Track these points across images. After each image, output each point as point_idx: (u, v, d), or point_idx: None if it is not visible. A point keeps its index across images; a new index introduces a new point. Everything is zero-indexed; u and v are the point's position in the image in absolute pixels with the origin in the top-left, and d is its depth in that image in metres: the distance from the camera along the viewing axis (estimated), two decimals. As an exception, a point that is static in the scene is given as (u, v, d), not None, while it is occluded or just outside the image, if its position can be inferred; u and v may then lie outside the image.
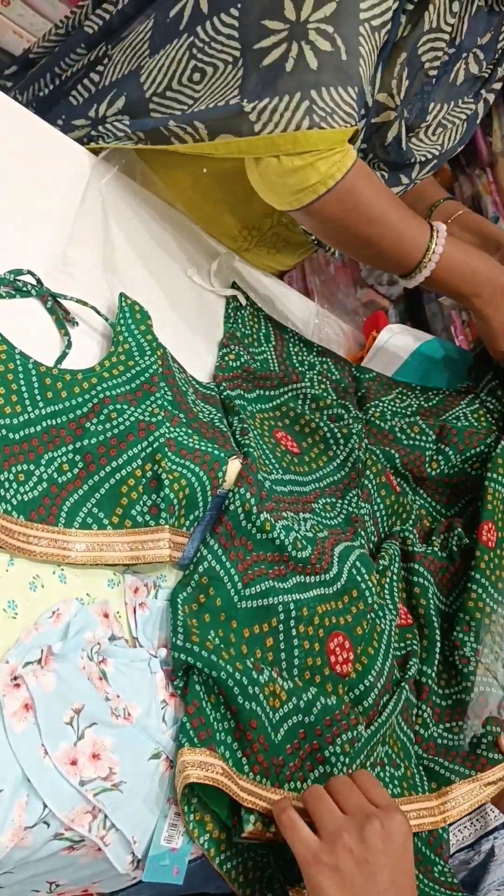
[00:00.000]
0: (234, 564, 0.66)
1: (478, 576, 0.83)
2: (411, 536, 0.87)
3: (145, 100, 0.86)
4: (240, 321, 0.95)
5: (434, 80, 0.93)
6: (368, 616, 0.73)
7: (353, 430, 0.88)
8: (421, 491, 0.96)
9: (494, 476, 0.88)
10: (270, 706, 0.62)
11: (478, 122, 1.05)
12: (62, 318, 0.73)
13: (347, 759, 0.65)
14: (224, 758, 0.58)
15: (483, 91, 1.01)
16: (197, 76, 0.82)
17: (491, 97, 1.04)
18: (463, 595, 0.82)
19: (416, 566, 0.84)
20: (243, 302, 0.97)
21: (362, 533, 0.80)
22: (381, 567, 0.80)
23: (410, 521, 0.91)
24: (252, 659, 0.64)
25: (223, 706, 0.60)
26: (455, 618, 0.82)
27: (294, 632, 0.68)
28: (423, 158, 0.99)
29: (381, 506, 0.89)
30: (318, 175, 0.78)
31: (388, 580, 0.80)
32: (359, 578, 0.74)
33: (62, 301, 0.74)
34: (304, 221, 0.89)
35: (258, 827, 0.58)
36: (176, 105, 0.84)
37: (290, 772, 0.61)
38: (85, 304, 0.75)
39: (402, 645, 0.79)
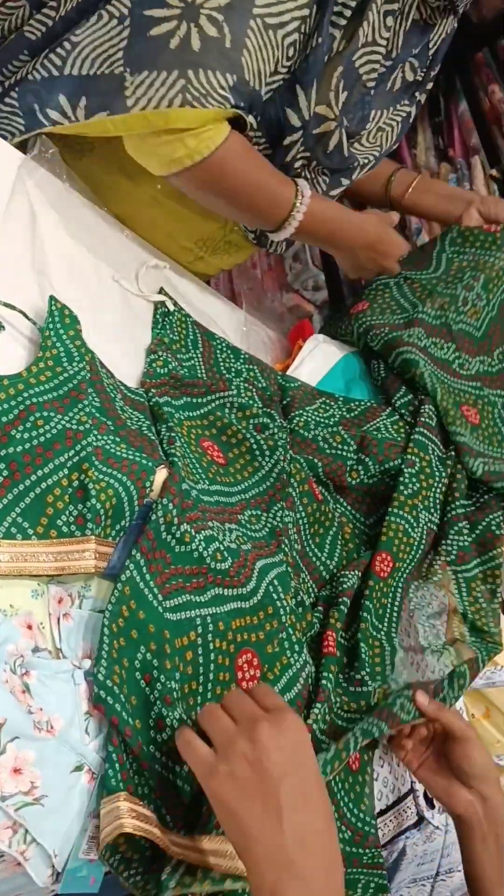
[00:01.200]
0: (153, 577, 0.65)
1: (367, 603, 0.85)
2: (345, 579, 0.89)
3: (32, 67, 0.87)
4: (168, 327, 0.95)
5: (372, 90, 0.96)
6: (281, 635, 0.73)
7: (279, 442, 0.89)
8: (342, 499, 0.98)
9: (394, 510, 0.92)
10: (174, 761, 0.60)
11: (411, 121, 1.10)
12: (-12, 322, 0.72)
13: None
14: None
15: (417, 93, 1.07)
16: (83, 19, 0.83)
17: (423, 97, 1.10)
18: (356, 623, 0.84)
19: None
20: (171, 308, 0.97)
21: (285, 545, 0.81)
22: (305, 605, 0.81)
23: (333, 529, 0.93)
24: (177, 674, 0.64)
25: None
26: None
27: (211, 646, 0.68)
28: (364, 161, 1.04)
29: (304, 513, 0.91)
30: (186, 149, 0.82)
31: (311, 623, 0.81)
32: (275, 596, 0.74)
33: (-12, 304, 0.73)
34: (176, 186, 0.92)
35: (177, 891, 0.56)
36: (56, 61, 0.85)
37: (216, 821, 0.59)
38: (13, 307, 0.74)
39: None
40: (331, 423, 1.00)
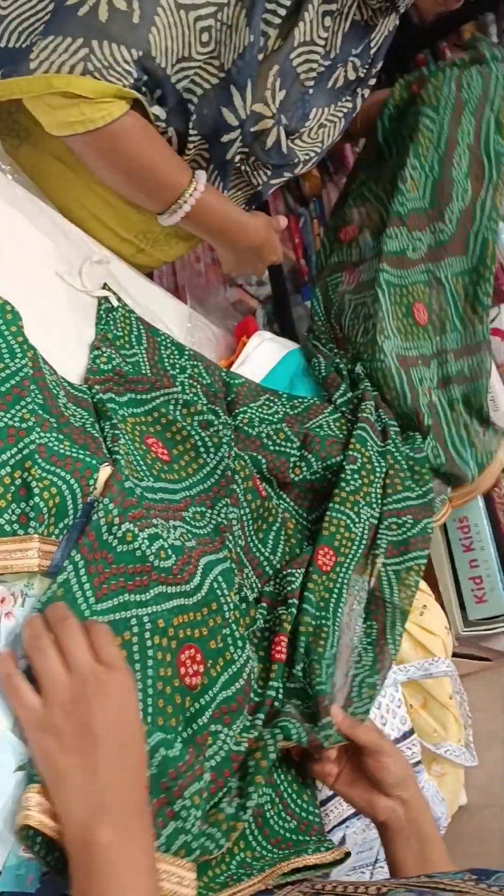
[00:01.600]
0: (90, 578, 0.65)
1: (309, 596, 0.86)
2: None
3: None
4: (111, 323, 0.95)
5: (311, 89, 0.97)
6: (224, 631, 0.74)
7: (224, 439, 0.90)
8: (285, 495, 0.99)
9: (335, 506, 0.93)
10: None
11: (354, 115, 1.12)
12: None
13: (199, 812, 0.63)
14: None
15: (359, 89, 1.09)
16: None
17: (367, 93, 1.11)
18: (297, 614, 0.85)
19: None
20: (115, 303, 0.97)
21: (230, 541, 0.82)
22: (249, 601, 0.82)
23: (277, 525, 0.94)
24: None
25: None
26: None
27: (149, 643, 0.68)
28: (305, 157, 1.05)
29: (248, 510, 0.92)
30: (81, 116, 0.82)
31: (254, 618, 0.82)
32: (219, 592, 0.75)
33: None
34: (73, 150, 0.93)
35: None
36: None
37: None
38: (-48, 302, 0.73)
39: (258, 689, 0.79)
40: (274, 420, 1.01)
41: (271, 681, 0.78)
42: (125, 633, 0.66)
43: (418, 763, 1.00)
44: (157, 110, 0.88)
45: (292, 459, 0.97)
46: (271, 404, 1.04)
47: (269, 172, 1.02)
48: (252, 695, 0.77)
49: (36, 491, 0.64)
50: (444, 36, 1.90)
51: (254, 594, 0.86)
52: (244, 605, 0.80)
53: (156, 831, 0.59)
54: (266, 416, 1.01)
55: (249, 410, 1.00)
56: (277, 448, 0.98)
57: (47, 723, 0.54)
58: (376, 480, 0.99)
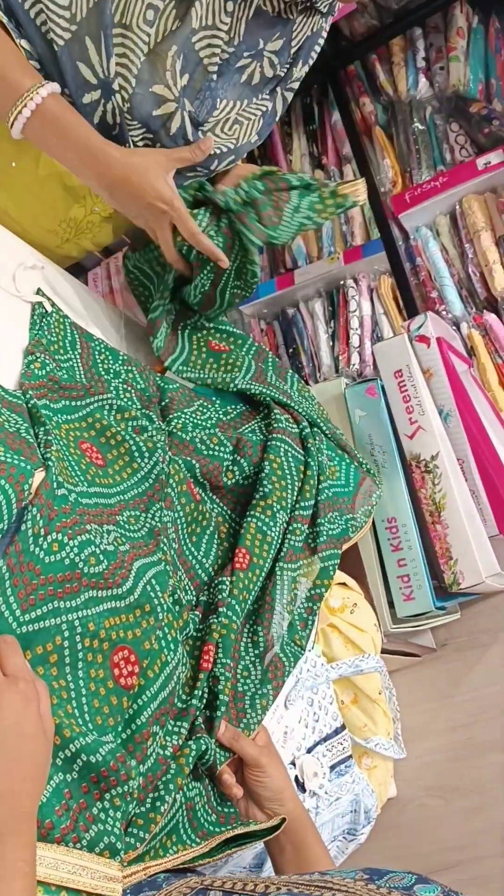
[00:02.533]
0: (15, 591, 0.65)
1: (231, 600, 0.88)
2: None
3: None
4: (45, 328, 0.95)
5: (215, 75, 0.98)
6: (157, 633, 0.75)
7: (158, 444, 0.91)
8: (218, 499, 1.01)
9: (253, 513, 0.96)
10: None
11: (276, 119, 1.12)
12: None
13: (119, 814, 0.63)
14: None
15: (279, 88, 1.09)
16: None
17: (289, 95, 1.11)
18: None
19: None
20: (49, 308, 0.97)
21: (164, 544, 0.83)
22: (182, 604, 0.83)
23: (210, 528, 0.96)
24: None
25: None
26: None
27: (80, 646, 0.68)
28: (217, 151, 1.04)
29: (182, 513, 0.93)
30: None
31: (186, 622, 0.83)
32: (152, 595, 0.76)
33: None
34: None
35: None
36: None
37: (60, 834, 0.59)
38: None
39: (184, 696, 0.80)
40: (208, 425, 1.03)
41: (196, 689, 0.80)
42: (56, 637, 0.67)
43: (349, 758, 1.03)
44: (24, 44, 0.88)
45: (225, 464, 0.99)
46: (205, 410, 1.06)
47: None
48: (177, 701, 0.78)
49: (-30, 496, 0.65)
50: (373, 48, 1.95)
51: (187, 597, 0.88)
52: (177, 608, 0.81)
53: (77, 834, 0.60)
54: (200, 422, 1.03)
55: (183, 416, 1.01)
56: (211, 452, 0.99)
57: None
58: (289, 486, 1.01)
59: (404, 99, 1.89)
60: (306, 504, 1.02)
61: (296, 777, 0.97)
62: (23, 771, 0.55)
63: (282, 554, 0.97)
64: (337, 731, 1.04)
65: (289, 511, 0.99)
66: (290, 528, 0.99)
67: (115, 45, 0.89)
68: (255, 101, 1.06)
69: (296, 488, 1.02)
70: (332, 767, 1.01)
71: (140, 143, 0.97)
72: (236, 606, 0.88)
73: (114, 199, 0.95)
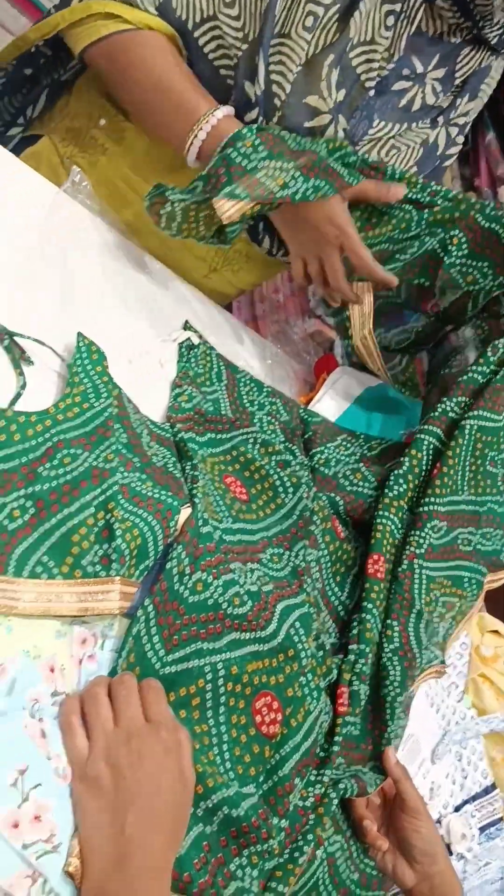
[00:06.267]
0: (160, 630, 0.65)
1: (368, 605, 0.84)
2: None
3: None
4: (193, 360, 0.96)
5: (373, 91, 0.95)
6: (300, 679, 0.72)
7: (302, 479, 0.89)
8: (361, 537, 0.97)
9: (383, 512, 0.90)
10: None
11: (439, 155, 1.07)
12: (17, 358, 0.72)
13: (256, 872, 0.62)
14: None
15: (441, 119, 1.04)
16: None
17: (454, 132, 1.06)
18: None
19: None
20: (196, 341, 0.98)
21: (308, 584, 0.80)
22: (326, 649, 0.80)
23: (355, 569, 0.92)
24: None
25: None
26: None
27: (222, 689, 0.67)
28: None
29: (326, 552, 0.90)
30: (108, 27, 0.86)
31: (329, 668, 0.80)
32: (296, 639, 0.73)
33: (18, 340, 0.73)
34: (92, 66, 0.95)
35: None
36: None
37: (199, 889, 0.58)
38: (42, 343, 0.74)
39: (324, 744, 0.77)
40: (351, 461, 1.00)
41: (336, 735, 0.76)
42: (199, 680, 0.66)
43: (500, 820, 0.96)
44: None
45: (369, 500, 0.95)
46: (348, 445, 1.03)
47: None
48: (318, 750, 0.75)
49: (118, 532, 0.64)
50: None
51: (331, 640, 0.84)
52: (321, 654, 0.78)
53: (216, 890, 0.58)
54: (343, 457, 1.00)
55: (326, 450, 0.99)
56: (354, 489, 0.96)
57: (88, 773, 0.55)
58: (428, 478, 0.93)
59: None
60: (443, 500, 0.93)
61: (441, 837, 0.91)
62: (158, 823, 0.53)
63: (421, 550, 0.89)
64: (487, 791, 0.97)
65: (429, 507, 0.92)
66: (429, 524, 0.91)
67: (271, 55, 0.88)
68: (415, 128, 1.02)
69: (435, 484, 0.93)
70: (482, 829, 0.94)
71: None
72: (377, 617, 0.83)
73: (281, 216, 0.93)
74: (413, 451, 0.93)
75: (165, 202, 0.84)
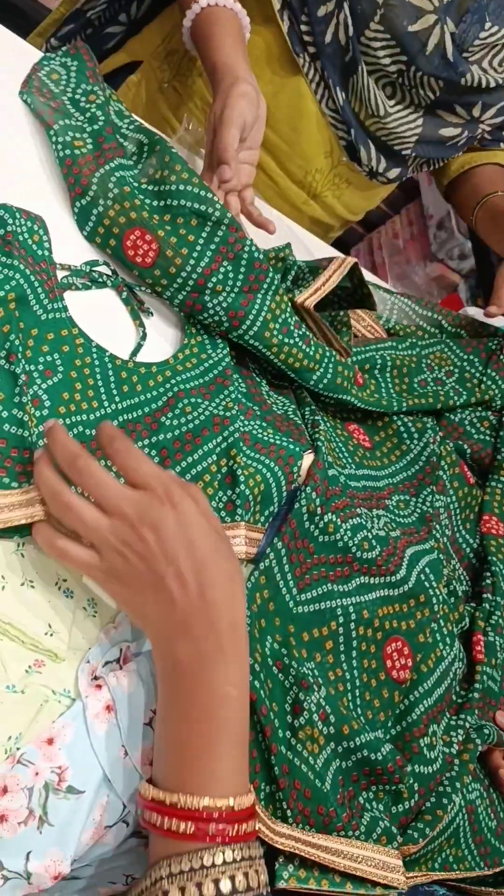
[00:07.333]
0: (292, 568, 0.64)
1: (493, 559, 0.82)
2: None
3: None
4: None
5: None
6: (432, 625, 0.71)
7: (428, 424, 0.86)
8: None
9: (493, 474, 0.90)
10: (309, 751, 0.58)
11: None
12: (136, 309, 0.73)
13: (381, 806, 0.60)
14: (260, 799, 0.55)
15: None
16: None
17: None
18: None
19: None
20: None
21: (437, 531, 0.78)
22: (458, 595, 0.78)
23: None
24: (312, 664, 0.62)
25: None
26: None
27: (353, 633, 0.66)
28: (478, 81, 0.92)
29: (455, 497, 0.87)
30: None
31: (462, 615, 0.78)
32: (427, 585, 0.72)
33: (136, 291, 0.74)
34: None
35: (292, 884, 0.54)
36: None
37: (342, 822, 0.57)
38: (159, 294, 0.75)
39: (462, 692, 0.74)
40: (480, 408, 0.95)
41: (476, 682, 0.74)
42: (331, 622, 0.65)
43: None
44: None
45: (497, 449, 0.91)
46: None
47: (436, 91, 0.92)
48: (455, 697, 0.73)
49: (241, 479, 0.64)
50: None
51: (462, 588, 0.82)
52: (453, 600, 0.76)
53: (356, 822, 0.57)
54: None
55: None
56: (481, 437, 0.92)
57: (106, 570, 0.49)
58: None
59: None
60: None
61: None
62: (210, 564, 0.49)
63: None
64: None
65: None
66: None
67: None
68: None
69: None
70: None
71: (392, 68, 0.91)
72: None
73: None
74: None
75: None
